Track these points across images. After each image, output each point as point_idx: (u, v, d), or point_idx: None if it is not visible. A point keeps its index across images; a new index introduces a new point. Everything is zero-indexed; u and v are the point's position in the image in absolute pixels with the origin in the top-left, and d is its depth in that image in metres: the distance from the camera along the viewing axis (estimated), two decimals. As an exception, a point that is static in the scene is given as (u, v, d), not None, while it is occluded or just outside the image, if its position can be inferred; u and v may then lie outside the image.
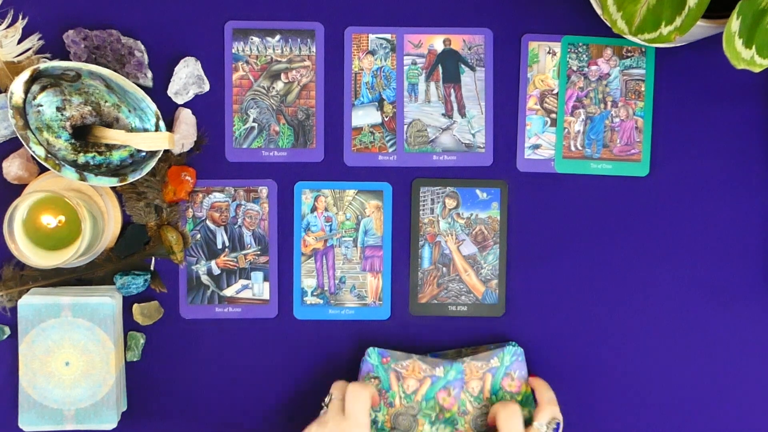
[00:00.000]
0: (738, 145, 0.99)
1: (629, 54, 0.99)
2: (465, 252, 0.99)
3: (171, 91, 0.97)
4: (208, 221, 0.99)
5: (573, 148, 0.99)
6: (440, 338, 0.99)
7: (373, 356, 0.94)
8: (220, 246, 0.99)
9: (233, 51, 0.98)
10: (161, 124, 0.94)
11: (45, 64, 0.89)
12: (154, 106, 0.93)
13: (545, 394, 0.93)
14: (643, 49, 0.99)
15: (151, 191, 0.97)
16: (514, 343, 0.96)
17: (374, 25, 0.99)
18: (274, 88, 0.99)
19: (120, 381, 0.96)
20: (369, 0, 0.99)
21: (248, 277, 0.99)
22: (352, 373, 0.98)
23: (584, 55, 0.99)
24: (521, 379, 0.94)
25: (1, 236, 0.94)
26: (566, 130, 0.99)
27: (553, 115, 0.99)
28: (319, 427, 0.87)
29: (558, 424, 0.91)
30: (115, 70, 0.94)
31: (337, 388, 0.91)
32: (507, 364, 0.93)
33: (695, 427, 1.00)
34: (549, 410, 0.91)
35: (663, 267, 0.99)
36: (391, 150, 0.99)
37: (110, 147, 0.94)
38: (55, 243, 0.92)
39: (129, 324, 0.98)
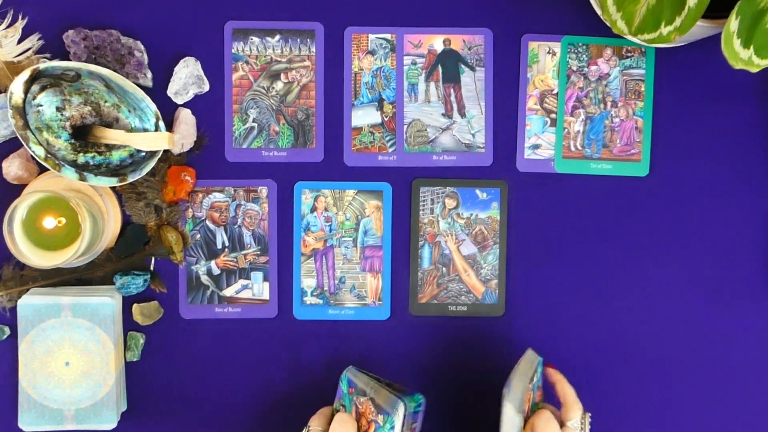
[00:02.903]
0: (738, 145, 0.99)
1: (629, 54, 0.99)
2: (465, 252, 0.99)
3: (171, 91, 0.97)
4: (207, 221, 0.99)
5: (573, 148, 0.99)
6: (440, 338, 0.99)
7: (344, 383, 0.90)
8: (219, 246, 0.99)
9: (233, 51, 0.98)
10: (161, 124, 0.94)
11: (45, 64, 0.89)
12: (154, 106, 0.93)
13: (568, 391, 0.89)
14: (643, 49, 0.99)
15: (150, 191, 0.97)
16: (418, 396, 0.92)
17: (374, 25, 0.99)
18: (273, 88, 0.99)
19: (120, 381, 0.96)
20: (369, 0, 0.99)
21: (248, 277, 0.99)
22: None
23: (584, 55, 0.99)
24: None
25: (1, 236, 0.94)
26: (566, 130, 0.99)
27: (553, 115, 0.99)
28: None
29: (591, 417, 0.89)
30: (115, 70, 0.94)
31: (315, 420, 0.88)
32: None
33: (695, 427, 1.00)
34: (577, 407, 0.87)
35: (663, 267, 0.99)
36: (390, 150, 0.99)
37: (110, 147, 0.94)
38: (55, 243, 0.92)
39: (129, 324, 0.98)
